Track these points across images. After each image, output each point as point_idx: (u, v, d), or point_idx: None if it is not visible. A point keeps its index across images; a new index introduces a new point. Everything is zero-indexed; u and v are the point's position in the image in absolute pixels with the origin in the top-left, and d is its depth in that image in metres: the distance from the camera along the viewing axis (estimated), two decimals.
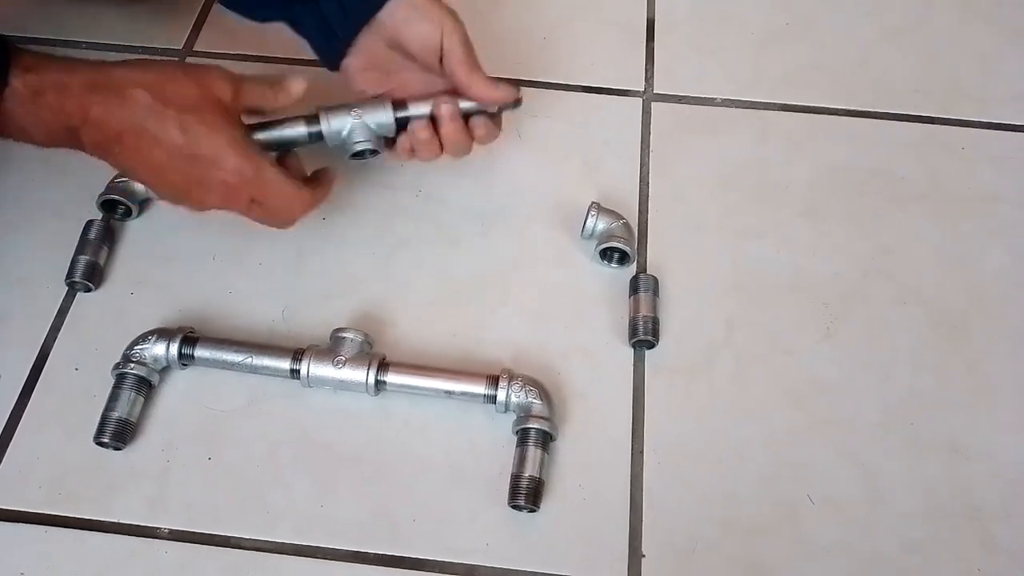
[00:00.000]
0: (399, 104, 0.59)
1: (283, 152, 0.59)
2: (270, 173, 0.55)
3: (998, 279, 0.65)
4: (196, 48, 0.76)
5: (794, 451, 0.58)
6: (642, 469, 0.57)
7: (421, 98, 0.59)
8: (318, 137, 0.59)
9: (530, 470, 0.54)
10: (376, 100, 0.60)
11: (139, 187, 0.64)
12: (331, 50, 0.60)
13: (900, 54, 0.77)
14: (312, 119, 0.58)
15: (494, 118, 0.60)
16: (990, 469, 0.57)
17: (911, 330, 0.63)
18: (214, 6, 0.79)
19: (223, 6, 0.63)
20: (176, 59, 0.75)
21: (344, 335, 0.57)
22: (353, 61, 0.60)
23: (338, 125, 0.58)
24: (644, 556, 0.54)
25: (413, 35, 0.58)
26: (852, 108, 0.74)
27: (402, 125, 0.59)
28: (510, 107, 0.60)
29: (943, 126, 0.73)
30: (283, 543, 0.54)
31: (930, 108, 0.74)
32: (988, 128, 0.73)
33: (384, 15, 0.58)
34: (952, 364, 0.61)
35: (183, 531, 0.54)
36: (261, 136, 0.57)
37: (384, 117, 0.59)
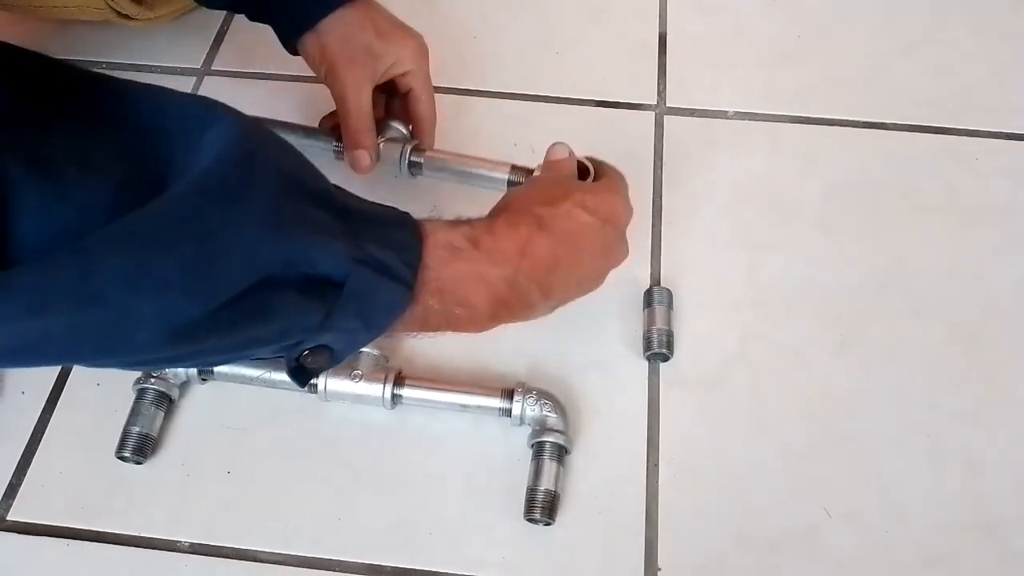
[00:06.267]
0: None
1: None
2: None
3: (1014, 290, 0.65)
4: (214, 67, 0.78)
5: (810, 464, 0.58)
6: (658, 482, 0.57)
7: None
8: None
9: (545, 483, 0.54)
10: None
11: None
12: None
13: (913, 66, 0.77)
14: None
15: None
16: (1010, 482, 0.57)
17: (927, 342, 0.62)
18: (231, 27, 0.80)
19: None
20: (195, 77, 0.76)
21: (361, 349, 0.58)
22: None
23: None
24: (660, 570, 0.54)
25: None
26: (865, 120, 0.74)
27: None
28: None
29: (957, 137, 0.73)
30: (301, 556, 0.55)
31: (944, 119, 0.74)
32: (1002, 139, 0.73)
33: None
34: (969, 376, 0.61)
35: (202, 544, 0.55)
36: None
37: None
